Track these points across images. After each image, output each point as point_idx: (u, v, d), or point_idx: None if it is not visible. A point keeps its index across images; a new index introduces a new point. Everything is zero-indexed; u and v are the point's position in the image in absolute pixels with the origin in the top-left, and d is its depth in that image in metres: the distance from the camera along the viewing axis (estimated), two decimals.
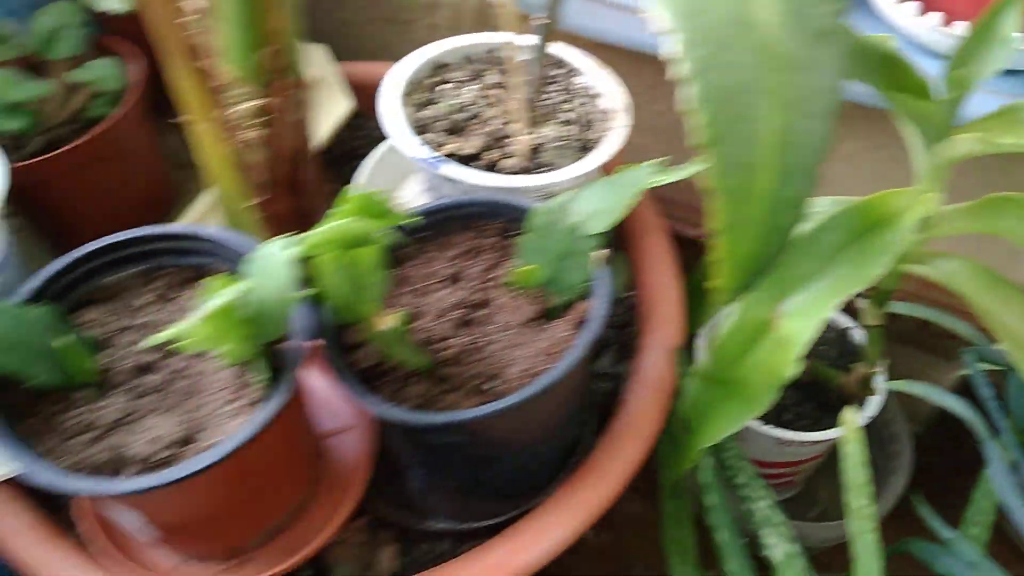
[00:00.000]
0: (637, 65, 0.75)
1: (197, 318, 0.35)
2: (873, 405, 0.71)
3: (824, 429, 0.75)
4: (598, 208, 0.48)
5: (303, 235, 0.38)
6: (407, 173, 0.78)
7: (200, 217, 0.63)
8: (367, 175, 0.71)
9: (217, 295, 0.34)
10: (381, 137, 0.72)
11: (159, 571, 0.51)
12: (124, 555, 0.51)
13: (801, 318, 0.51)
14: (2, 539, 0.51)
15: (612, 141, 0.60)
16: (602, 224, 0.48)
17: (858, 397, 0.80)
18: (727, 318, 0.55)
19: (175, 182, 0.68)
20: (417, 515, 0.56)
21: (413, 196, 0.77)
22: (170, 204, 0.67)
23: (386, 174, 0.75)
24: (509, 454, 0.53)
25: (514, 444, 0.53)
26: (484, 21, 0.82)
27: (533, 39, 0.64)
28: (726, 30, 0.38)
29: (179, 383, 0.46)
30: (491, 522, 0.56)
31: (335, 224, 0.37)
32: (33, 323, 0.43)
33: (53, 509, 0.55)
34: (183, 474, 0.39)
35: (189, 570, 0.51)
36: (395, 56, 0.65)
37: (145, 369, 0.46)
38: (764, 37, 0.38)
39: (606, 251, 0.49)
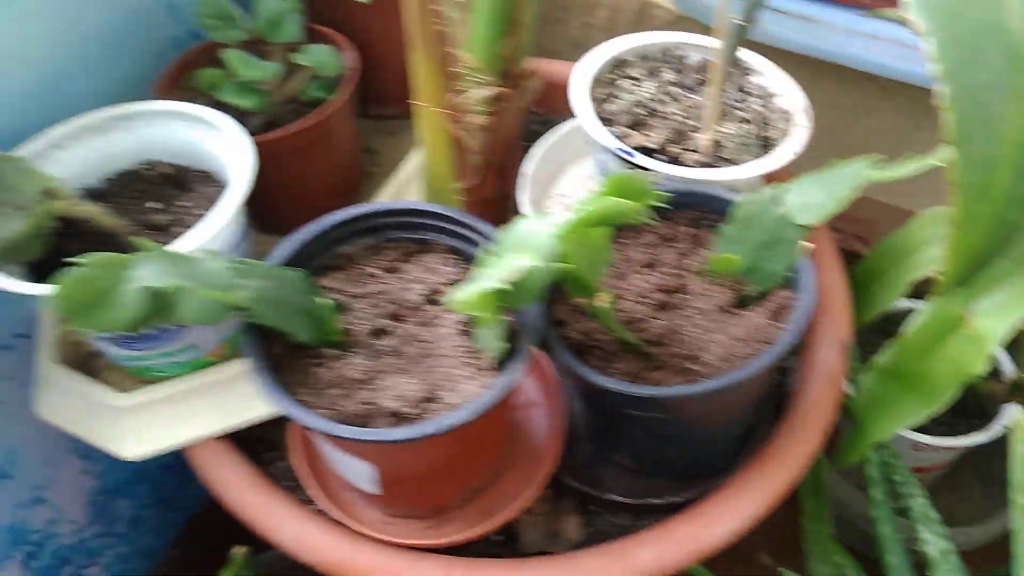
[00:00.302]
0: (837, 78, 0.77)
1: (482, 286, 0.38)
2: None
3: (957, 436, 0.76)
4: (811, 201, 0.50)
5: (567, 210, 0.41)
6: (565, 165, 0.81)
7: (394, 196, 0.66)
8: (532, 166, 0.75)
9: (503, 268, 0.37)
10: (539, 131, 0.75)
11: (367, 524, 0.55)
12: (336, 507, 0.55)
13: (995, 316, 0.52)
14: (223, 489, 0.56)
15: (796, 140, 0.62)
16: (814, 217, 0.50)
17: (1000, 404, 0.80)
18: (917, 314, 0.57)
19: (363, 167, 0.72)
20: (597, 488, 0.59)
21: (571, 188, 0.80)
22: (358, 188, 0.71)
23: (547, 166, 0.79)
24: (697, 435, 0.56)
25: (705, 425, 0.55)
26: (642, 22, 0.84)
27: (713, 40, 0.67)
28: (979, 35, 0.40)
29: (412, 347, 0.49)
30: (669, 500, 0.58)
31: (604, 202, 0.40)
32: (293, 284, 0.47)
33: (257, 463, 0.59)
34: (444, 426, 0.42)
35: (394, 525, 0.55)
36: (545, 53, 0.68)
37: (380, 333, 0.50)
38: (1015, 42, 0.40)
39: (811, 244, 0.51)
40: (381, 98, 0.64)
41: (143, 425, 0.56)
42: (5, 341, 0.63)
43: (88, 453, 0.77)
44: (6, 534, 0.70)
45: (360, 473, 0.50)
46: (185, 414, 0.56)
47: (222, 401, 0.57)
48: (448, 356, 0.48)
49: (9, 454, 0.67)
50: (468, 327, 0.50)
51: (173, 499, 0.93)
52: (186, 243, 0.48)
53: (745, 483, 0.55)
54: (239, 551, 0.62)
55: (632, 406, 0.51)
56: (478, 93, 0.50)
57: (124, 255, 0.41)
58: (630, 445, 0.58)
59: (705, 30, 0.81)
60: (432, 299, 0.51)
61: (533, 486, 0.55)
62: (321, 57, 0.60)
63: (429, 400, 0.46)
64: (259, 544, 0.61)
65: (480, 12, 0.47)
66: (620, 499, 0.58)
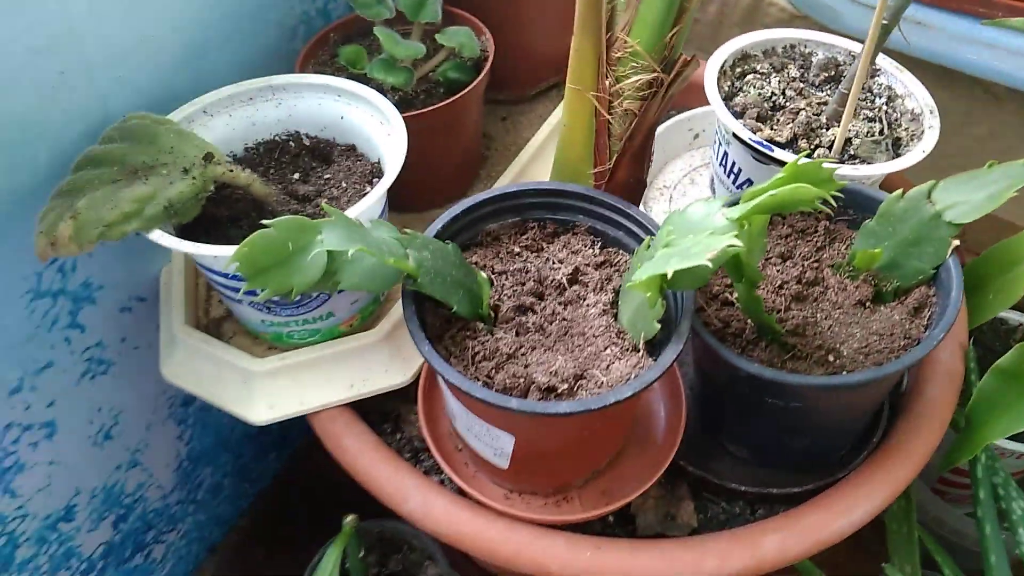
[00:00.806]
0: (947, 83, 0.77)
1: (676, 264, 0.38)
2: None
3: None
4: (964, 200, 0.50)
5: (744, 196, 0.42)
6: (669, 159, 0.82)
7: (515, 179, 0.67)
8: None
9: (702, 247, 0.38)
10: None
11: (490, 497, 0.55)
12: (461, 479, 0.56)
13: None
14: (351, 457, 0.57)
15: (926, 141, 0.62)
16: (967, 216, 0.50)
17: None
18: None
19: (481, 151, 0.73)
20: (714, 475, 0.59)
21: (674, 180, 0.80)
22: (478, 170, 0.71)
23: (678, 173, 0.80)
24: (826, 427, 0.56)
25: (837, 417, 0.56)
26: (753, 19, 0.84)
27: (838, 39, 0.67)
28: None
29: (556, 325, 0.50)
30: (788, 491, 0.58)
31: (787, 189, 0.40)
32: (451, 257, 0.48)
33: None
34: (608, 402, 0.43)
35: (516, 500, 0.56)
36: None
37: (524, 310, 0.50)
38: None
39: (958, 242, 0.51)
40: (495, 83, 0.64)
41: (275, 390, 0.57)
42: (124, 303, 0.65)
43: (183, 418, 0.79)
44: (103, 494, 0.71)
45: (497, 446, 0.51)
46: (316, 381, 0.57)
47: (351, 370, 0.58)
48: (593, 336, 0.49)
49: (115, 416, 0.69)
50: (611, 307, 0.50)
51: (249, 469, 0.95)
52: (351, 211, 0.49)
53: (868, 477, 0.56)
54: (350, 520, 0.63)
55: (775, 395, 0.51)
56: (637, 79, 0.51)
57: (308, 220, 0.42)
58: (754, 434, 0.58)
59: (821, 28, 0.81)
60: (575, 279, 0.52)
61: (654, 471, 0.56)
62: (462, 39, 0.61)
63: (580, 377, 0.47)
64: (328, 518, 0.63)
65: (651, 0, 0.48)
66: (738, 487, 0.59)
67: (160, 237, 0.48)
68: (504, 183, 0.67)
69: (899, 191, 0.53)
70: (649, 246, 0.47)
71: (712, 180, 0.71)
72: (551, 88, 0.80)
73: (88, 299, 0.60)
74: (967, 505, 0.92)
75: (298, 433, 1.00)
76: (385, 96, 0.59)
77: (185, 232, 0.53)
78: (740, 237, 0.42)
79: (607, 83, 0.52)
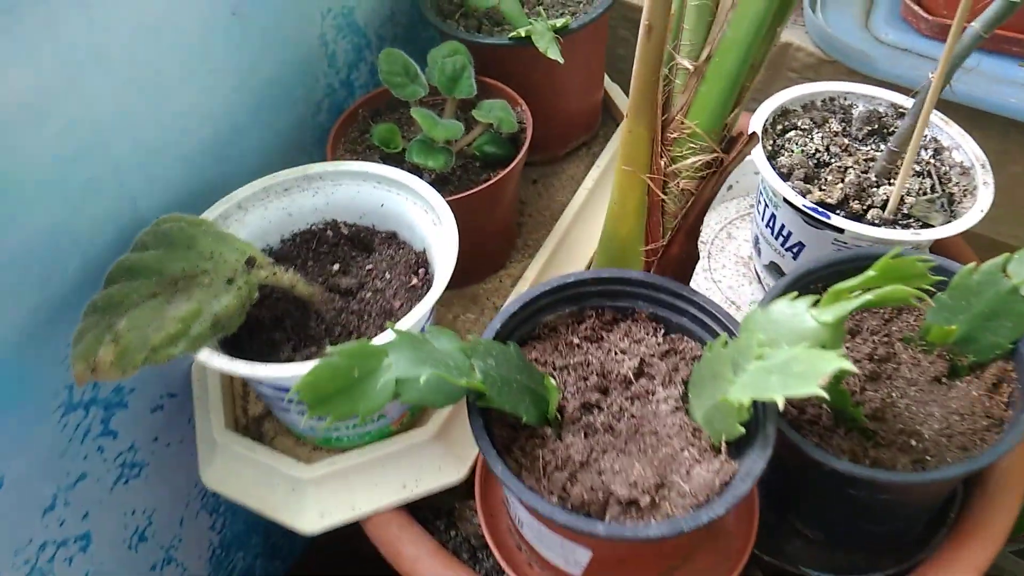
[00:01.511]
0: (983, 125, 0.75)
1: (785, 391, 0.36)
2: None
3: None
4: None
5: (831, 294, 0.39)
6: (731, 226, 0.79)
7: (547, 260, 0.64)
8: None
9: (807, 369, 0.35)
10: None
11: None
12: None
13: None
14: (409, 565, 0.54)
15: (982, 198, 0.60)
16: None
17: None
18: None
19: (517, 219, 0.70)
20: (788, 560, 0.57)
21: (710, 235, 0.78)
22: (514, 239, 0.69)
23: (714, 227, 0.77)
24: (906, 510, 0.54)
25: (919, 503, 0.53)
26: (778, 64, 0.82)
27: (878, 89, 0.65)
28: None
29: (625, 424, 0.47)
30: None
31: (885, 291, 0.38)
32: (515, 361, 0.45)
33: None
34: (702, 522, 0.40)
35: None
36: None
37: (590, 408, 0.48)
38: None
39: None
40: (529, 145, 0.62)
41: (325, 496, 0.54)
42: (155, 402, 0.62)
43: (215, 507, 0.76)
44: None
45: (572, 558, 0.48)
46: (367, 484, 0.54)
47: (403, 471, 0.55)
48: (668, 436, 0.46)
49: (149, 516, 0.66)
50: (682, 401, 0.48)
51: (280, 547, 0.92)
52: (406, 321, 0.46)
53: (950, 560, 0.53)
54: None
55: (860, 488, 0.48)
56: (696, 159, 0.49)
57: (375, 345, 0.39)
58: (829, 518, 0.56)
59: (850, 74, 0.79)
60: (640, 371, 0.50)
61: (732, 566, 0.53)
62: (499, 114, 0.58)
63: (661, 486, 0.44)
64: None
65: (714, 81, 0.45)
66: (817, 574, 0.56)
67: (210, 358, 0.45)
68: (545, 254, 0.65)
69: (972, 264, 0.50)
70: (727, 344, 0.44)
71: (756, 239, 0.69)
72: (579, 147, 0.77)
73: (120, 404, 0.57)
74: None
75: None
76: (422, 176, 0.56)
77: (226, 339, 0.50)
78: (830, 334, 0.40)
79: (662, 163, 0.50)
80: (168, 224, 0.50)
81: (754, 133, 0.49)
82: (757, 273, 0.71)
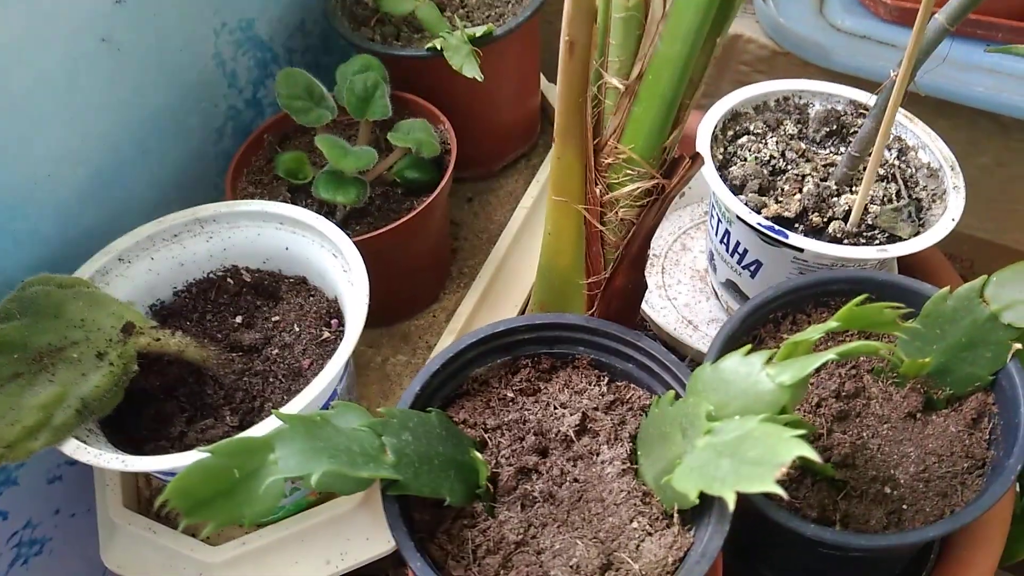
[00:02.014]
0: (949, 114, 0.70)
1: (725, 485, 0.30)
2: None
3: None
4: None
5: (787, 346, 0.34)
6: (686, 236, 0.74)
7: (484, 291, 0.58)
8: None
9: (760, 462, 0.30)
10: None
11: None
12: None
13: None
14: None
15: (952, 205, 0.55)
16: None
17: None
18: None
19: (450, 245, 0.64)
20: None
21: (666, 244, 0.73)
22: (447, 267, 0.63)
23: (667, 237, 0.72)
24: (883, 563, 0.49)
25: (893, 555, 0.48)
26: (727, 58, 0.77)
27: (836, 87, 0.60)
28: None
29: (566, 490, 0.42)
30: None
31: (852, 347, 0.32)
32: (437, 432, 0.40)
33: None
34: None
35: None
36: None
37: (527, 473, 0.42)
38: None
39: (1020, 345, 0.44)
40: (457, 162, 0.55)
41: None
42: (52, 473, 0.55)
43: None
44: None
45: None
46: (286, 563, 0.48)
47: (326, 545, 0.49)
48: (615, 503, 0.41)
49: None
50: (630, 461, 0.42)
51: None
52: (308, 393, 0.40)
53: None
54: None
55: (832, 548, 0.43)
56: (634, 186, 0.43)
57: (256, 439, 0.33)
58: (800, 569, 0.51)
59: (805, 66, 0.74)
60: (583, 427, 0.44)
61: None
62: (419, 136, 0.52)
63: (608, 567, 0.39)
64: None
65: (648, 101, 0.40)
66: None
67: (77, 450, 0.39)
68: (481, 285, 0.59)
69: (946, 289, 0.45)
70: (674, 401, 0.39)
71: (711, 255, 0.64)
72: (518, 159, 0.71)
73: (8, 482, 0.51)
74: None
75: None
76: (334, 211, 0.50)
77: (108, 416, 0.43)
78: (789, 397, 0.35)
79: (597, 192, 0.44)
80: (35, 288, 0.43)
81: (698, 155, 0.43)
82: (714, 288, 0.66)
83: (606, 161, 0.43)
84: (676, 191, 0.44)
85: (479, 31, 0.54)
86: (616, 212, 0.45)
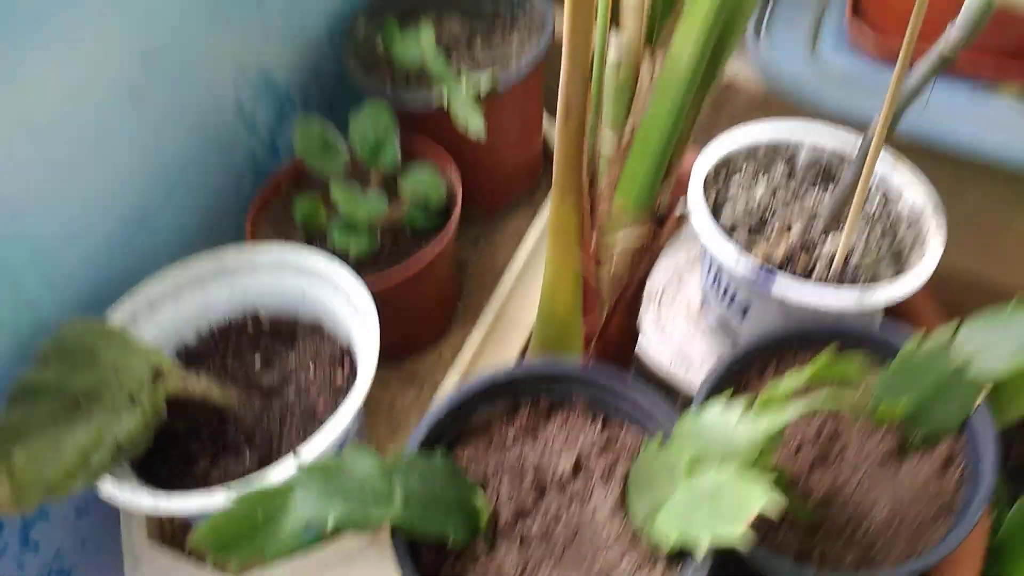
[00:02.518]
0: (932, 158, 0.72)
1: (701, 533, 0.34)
2: None
3: None
4: (990, 350, 0.46)
5: (764, 397, 0.37)
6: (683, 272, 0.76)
7: (488, 331, 0.62)
8: None
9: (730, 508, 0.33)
10: None
11: None
12: None
13: None
14: None
15: (932, 249, 0.58)
16: (995, 371, 0.46)
17: None
18: None
19: (456, 284, 0.68)
20: None
21: (662, 281, 0.75)
22: (454, 304, 0.66)
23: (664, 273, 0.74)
24: None
25: None
26: (722, 99, 0.80)
27: (825, 130, 0.62)
28: None
29: (561, 529, 0.45)
30: None
31: (822, 400, 0.36)
32: (442, 475, 0.43)
33: None
34: None
35: None
36: None
37: (526, 513, 0.46)
38: None
39: (985, 392, 0.47)
40: (464, 202, 0.59)
41: None
42: (79, 504, 0.58)
43: None
44: None
45: None
46: None
47: None
48: (605, 543, 0.44)
49: None
50: (621, 501, 0.46)
51: None
52: (325, 437, 0.44)
53: None
54: None
55: None
56: (627, 237, 0.46)
57: (277, 486, 0.37)
58: None
59: (790, 110, 0.77)
60: (577, 468, 0.47)
61: None
62: (427, 185, 0.56)
63: None
64: None
65: (639, 159, 0.43)
66: None
67: (113, 492, 0.42)
68: (484, 325, 0.62)
69: (916, 339, 0.48)
70: (661, 444, 0.42)
71: (704, 295, 0.67)
72: (522, 197, 0.74)
73: (40, 516, 0.54)
74: None
75: None
76: (348, 255, 0.53)
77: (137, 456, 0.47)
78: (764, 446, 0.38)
79: (593, 242, 0.47)
80: (69, 333, 0.47)
81: (682, 216, 0.47)
82: (709, 326, 0.69)
83: (601, 213, 0.46)
84: (663, 246, 0.48)
85: (484, 86, 0.57)
86: (611, 261, 0.48)
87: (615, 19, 0.40)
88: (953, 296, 0.85)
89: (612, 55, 0.41)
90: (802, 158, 0.65)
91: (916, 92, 0.51)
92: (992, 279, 0.82)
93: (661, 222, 0.48)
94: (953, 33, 0.48)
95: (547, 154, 0.78)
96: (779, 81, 0.76)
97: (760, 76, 0.77)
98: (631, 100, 0.44)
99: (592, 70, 0.43)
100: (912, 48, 0.45)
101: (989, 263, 0.80)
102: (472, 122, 0.54)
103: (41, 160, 0.47)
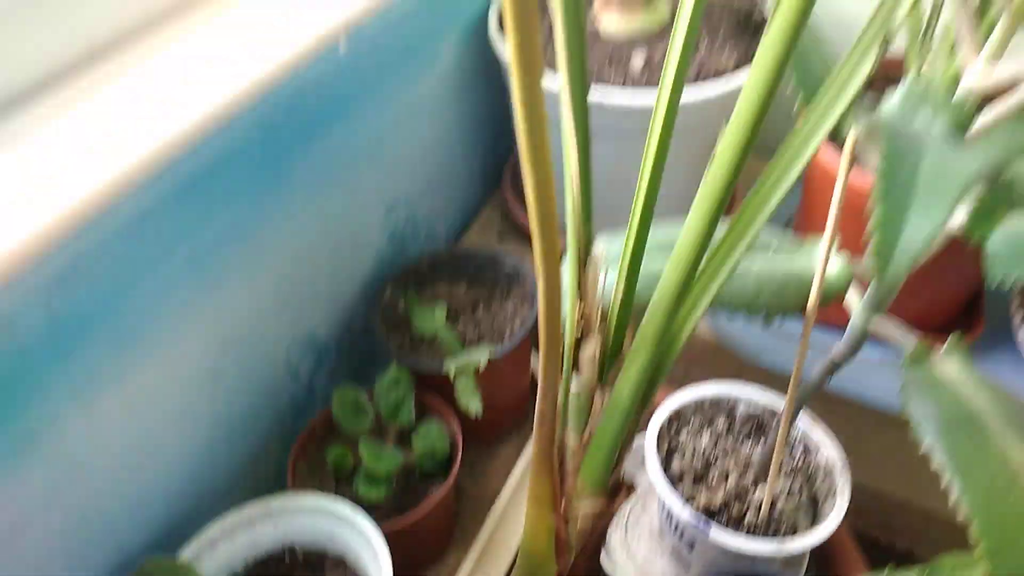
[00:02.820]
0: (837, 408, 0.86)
1: None
2: None
3: None
4: None
5: None
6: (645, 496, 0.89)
7: (479, 556, 0.75)
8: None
9: None
10: None
11: None
12: None
13: None
14: None
15: (840, 501, 0.71)
16: None
17: None
18: None
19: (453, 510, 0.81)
20: None
21: (628, 504, 0.88)
22: (451, 530, 0.79)
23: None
24: None
25: None
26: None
27: (760, 392, 0.77)
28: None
29: None
30: None
31: None
32: None
33: None
34: None
35: None
36: None
37: None
38: None
39: None
40: (463, 438, 0.74)
41: None
42: None
43: None
44: None
45: None
46: None
47: None
48: None
49: None
50: None
51: None
52: None
53: None
54: None
55: None
56: (588, 505, 0.60)
57: None
58: None
59: (745, 362, 0.92)
60: None
61: None
62: (434, 442, 0.70)
63: None
64: None
65: (595, 452, 0.57)
66: None
67: None
68: (478, 547, 0.75)
69: None
70: None
71: (660, 527, 0.80)
72: (513, 428, 0.89)
73: None
74: None
75: None
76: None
77: None
78: None
79: (563, 507, 0.61)
80: (150, 570, 0.60)
81: (631, 486, 0.61)
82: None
83: (569, 487, 0.60)
84: (616, 511, 0.62)
85: (482, 360, 0.73)
86: (576, 520, 0.62)
87: (576, 366, 0.56)
88: (883, 516, 0.98)
89: (574, 388, 0.56)
90: (740, 411, 0.80)
91: (820, 383, 0.66)
92: (914, 500, 0.95)
93: (614, 493, 0.62)
94: (839, 347, 0.63)
95: (533, 386, 0.93)
96: (726, 339, 0.92)
97: (712, 331, 0.93)
98: (588, 417, 0.60)
99: (561, 395, 0.59)
100: (812, 321, 0.60)
101: (911, 488, 0.93)
102: (472, 405, 0.69)
103: (135, 433, 0.62)
